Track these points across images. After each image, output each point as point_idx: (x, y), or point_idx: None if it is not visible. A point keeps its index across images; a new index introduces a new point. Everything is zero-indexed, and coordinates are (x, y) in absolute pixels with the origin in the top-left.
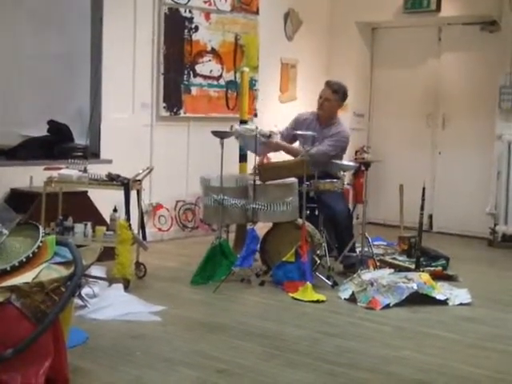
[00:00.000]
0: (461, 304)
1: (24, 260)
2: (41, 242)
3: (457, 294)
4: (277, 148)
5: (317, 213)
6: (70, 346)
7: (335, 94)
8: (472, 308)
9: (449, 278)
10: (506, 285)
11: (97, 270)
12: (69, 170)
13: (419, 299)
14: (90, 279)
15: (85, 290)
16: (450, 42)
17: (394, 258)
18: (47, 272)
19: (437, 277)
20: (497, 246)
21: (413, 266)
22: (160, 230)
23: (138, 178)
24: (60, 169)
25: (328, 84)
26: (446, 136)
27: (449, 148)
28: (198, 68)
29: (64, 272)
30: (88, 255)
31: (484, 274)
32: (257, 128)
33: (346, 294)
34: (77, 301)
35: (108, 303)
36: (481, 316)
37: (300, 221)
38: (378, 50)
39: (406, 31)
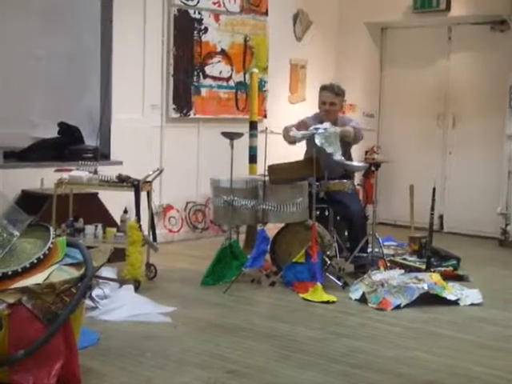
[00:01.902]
0: (472, 304)
1: (35, 261)
2: (51, 243)
3: (468, 295)
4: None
5: (327, 213)
6: (81, 347)
7: (338, 96)
8: (483, 308)
9: (460, 279)
10: None
11: (107, 272)
12: (79, 172)
13: (430, 300)
14: (101, 280)
15: (95, 292)
16: (459, 41)
17: (405, 259)
18: (58, 273)
19: (447, 277)
20: (508, 246)
21: (423, 267)
22: (170, 231)
23: (148, 180)
24: (71, 170)
25: (328, 88)
26: (456, 136)
27: (459, 148)
28: (208, 69)
29: (75, 273)
30: (98, 256)
31: (495, 274)
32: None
33: (356, 295)
34: (88, 302)
35: (119, 304)
36: (492, 316)
37: (310, 221)
38: (387, 50)
39: (415, 31)
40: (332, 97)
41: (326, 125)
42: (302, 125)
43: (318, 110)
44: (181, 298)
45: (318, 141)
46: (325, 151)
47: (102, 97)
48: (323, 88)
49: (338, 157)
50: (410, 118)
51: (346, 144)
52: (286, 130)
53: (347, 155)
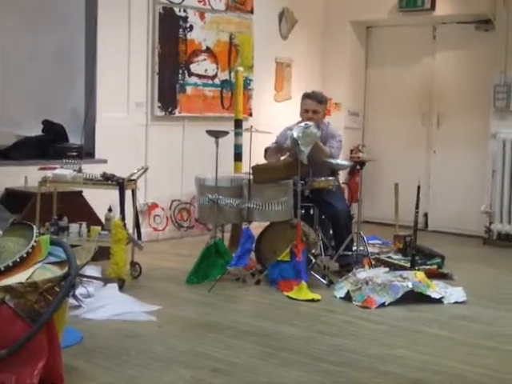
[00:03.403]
0: (456, 302)
1: (18, 260)
2: (35, 241)
3: (452, 293)
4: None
5: (312, 212)
6: (64, 346)
7: (321, 104)
8: (467, 306)
9: (444, 277)
10: (501, 283)
11: (92, 270)
12: (63, 170)
13: (414, 298)
14: (85, 279)
15: (79, 290)
16: (444, 40)
17: (390, 257)
18: (41, 272)
19: (432, 275)
20: (492, 244)
21: (408, 265)
22: (155, 229)
23: (132, 178)
24: (55, 169)
25: (310, 96)
26: (440, 135)
27: (444, 147)
28: (193, 67)
29: (58, 272)
30: (82, 255)
31: (479, 273)
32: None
33: (341, 293)
34: (71, 301)
35: (103, 303)
36: (476, 314)
37: (295, 220)
38: (372, 49)
39: (400, 30)
40: (315, 105)
41: (313, 128)
42: (283, 135)
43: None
44: (165, 296)
45: (295, 133)
46: (298, 146)
47: (86, 95)
48: (306, 96)
49: (302, 156)
50: (394, 117)
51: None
52: (269, 151)
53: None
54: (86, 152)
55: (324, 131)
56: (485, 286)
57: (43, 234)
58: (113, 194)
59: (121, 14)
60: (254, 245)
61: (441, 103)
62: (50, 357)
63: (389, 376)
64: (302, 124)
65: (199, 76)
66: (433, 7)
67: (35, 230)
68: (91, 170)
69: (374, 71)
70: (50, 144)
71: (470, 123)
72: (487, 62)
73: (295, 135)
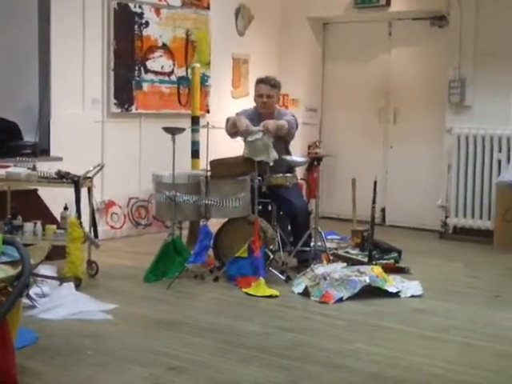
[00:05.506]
0: (412, 296)
1: None
2: None
3: (408, 287)
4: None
5: (270, 208)
6: (18, 347)
7: (275, 88)
8: (423, 300)
9: (401, 271)
10: (457, 276)
11: (47, 270)
12: (17, 168)
13: (372, 292)
14: (39, 278)
15: (34, 290)
16: (400, 36)
17: (347, 252)
18: None
19: (389, 270)
20: (448, 238)
21: (365, 260)
22: (113, 227)
23: (88, 176)
24: (8, 167)
25: (264, 81)
26: (397, 130)
27: (400, 142)
28: (149, 64)
29: (11, 271)
30: (36, 254)
31: (435, 266)
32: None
33: (299, 289)
34: (25, 301)
35: (59, 302)
36: (432, 307)
37: (253, 216)
38: (329, 45)
39: (356, 26)
40: (269, 89)
41: (259, 135)
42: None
43: (249, 107)
44: (123, 294)
45: (246, 151)
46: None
47: (40, 92)
48: (259, 81)
49: (272, 158)
50: (351, 113)
51: (283, 140)
52: (230, 121)
53: (286, 151)
54: (41, 150)
55: (276, 115)
56: (441, 279)
57: None
58: (69, 192)
59: (75, 10)
60: (211, 241)
61: (397, 99)
62: (3, 358)
63: (345, 370)
64: (249, 138)
65: (156, 73)
66: (388, 4)
67: None
68: (46, 167)
69: (330, 67)
70: (4, 142)
71: (425, 119)
72: (442, 58)
73: (246, 155)
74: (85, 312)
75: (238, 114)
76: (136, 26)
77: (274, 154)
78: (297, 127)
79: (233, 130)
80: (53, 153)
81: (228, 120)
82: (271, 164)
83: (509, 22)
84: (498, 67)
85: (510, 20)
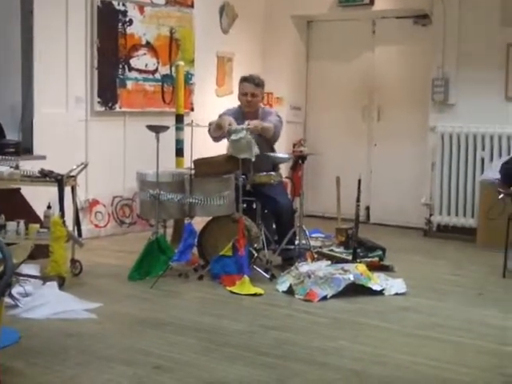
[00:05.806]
0: (396, 294)
1: None
2: None
3: (392, 284)
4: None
5: (254, 206)
6: (1, 347)
7: (259, 87)
8: (407, 297)
9: (385, 269)
10: (441, 274)
11: (30, 269)
12: (0, 167)
13: (356, 290)
14: (22, 278)
15: (16, 289)
16: (383, 35)
17: (332, 250)
18: None
19: (373, 268)
20: (432, 235)
21: (350, 258)
22: (97, 226)
23: (72, 174)
24: None
25: (248, 80)
26: (381, 128)
27: (384, 140)
28: (133, 62)
29: None
30: (19, 253)
31: (419, 264)
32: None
33: (283, 287)
34: (8, 300)
35: (42, 302)
36: (416, 305)
37: (237, 214)
38: (313, 44)
39: (340, 24)
40: (253, 88)
41: (242, 133)
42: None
43: (233, 106)
44: (107, 293)
45: (230, 150)
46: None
47: (23, 90)
48: (243, 79)
49: (254, 154)
50: (336, 111)
51: (267, 139)
52: (212, 124)
53: (270, 149)
54: (24, 148)
55: (260, 114)
56: (424, 276)
57: None
58: (52, 191)
59: (58, 8)
60: (196, 240)
61: (381, 97)
62: None
63: (329, 367)
64: (233, 137)
65: (139, 71)
66: (372, 2)
67: None
68: (29, 166)
69: (315, 65)
70: None
71: (409, 117)
72: (425, 57)
73: (230, 153)
74: (68, 311)
75: (220, 116)
76: (120, 24)
77: (256, 150)
78: (282, 126)
79: (216, 133)
80: (36, 151)
81: (210, 124)
82: (253, 160)
83: (492, 20)
84: (481, 65)
85: (492, 18)
